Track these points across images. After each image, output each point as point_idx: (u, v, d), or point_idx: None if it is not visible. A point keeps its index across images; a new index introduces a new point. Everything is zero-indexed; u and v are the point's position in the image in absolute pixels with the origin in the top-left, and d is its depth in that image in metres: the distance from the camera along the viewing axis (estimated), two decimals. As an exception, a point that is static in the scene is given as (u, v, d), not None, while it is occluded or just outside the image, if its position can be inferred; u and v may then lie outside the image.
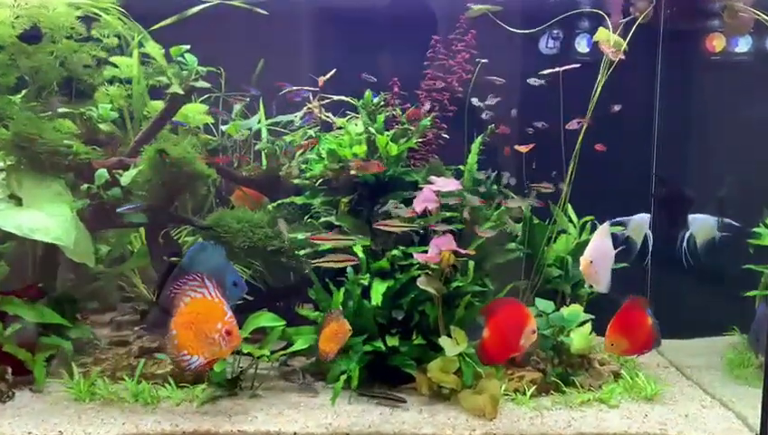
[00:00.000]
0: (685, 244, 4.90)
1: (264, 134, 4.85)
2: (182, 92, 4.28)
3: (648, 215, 4.68)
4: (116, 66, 4.61)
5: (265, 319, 4.08)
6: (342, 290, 4.12)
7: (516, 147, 4.39)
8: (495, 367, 4.07)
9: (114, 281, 4.67)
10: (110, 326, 4.70)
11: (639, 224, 4.64)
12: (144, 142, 4.33)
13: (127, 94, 4.61)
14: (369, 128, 4.26)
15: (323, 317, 3.71)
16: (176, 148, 3.91)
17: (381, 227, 3.86)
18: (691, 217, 4.96)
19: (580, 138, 4.51)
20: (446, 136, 4.87)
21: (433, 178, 3.95)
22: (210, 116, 4.74)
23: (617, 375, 4.36)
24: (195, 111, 4.68)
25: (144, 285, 4.75)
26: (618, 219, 4.63)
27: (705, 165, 5.43)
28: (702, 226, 4.88)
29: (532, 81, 4.53)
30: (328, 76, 4.71)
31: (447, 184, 3.91)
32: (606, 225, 4.05)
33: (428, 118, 4.44)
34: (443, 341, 3.88)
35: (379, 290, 3.98)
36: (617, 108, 4.78)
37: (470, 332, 3.75)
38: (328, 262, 3.82)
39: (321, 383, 4.24)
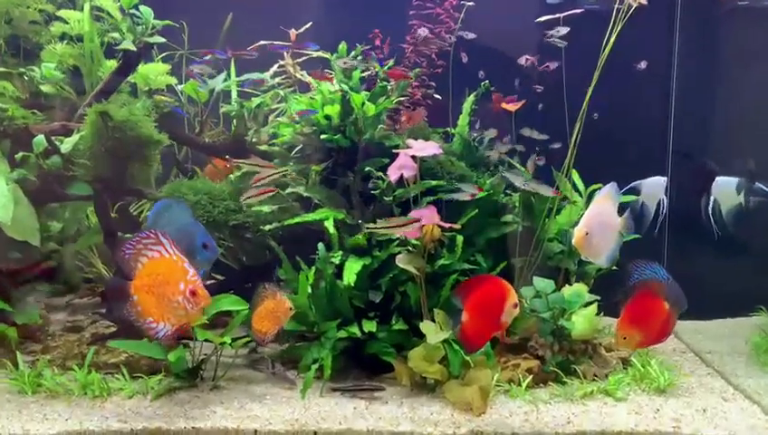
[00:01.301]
0: (709, 211, 4.30)
1: (235, 96, 4.36)
2: (134, 49, 3.80)
3: (664, 178, 4.10)
4: (66, 22, 4.14)
5: (227, 302, 3.65)
6: (313, 269, 3.66)
7: (504, 105, 3.84)
8: (487, 354, 3.61)
9: (71, 260, 4.25)
10: (67, 310, 4.30)
11: (654, 188, 4.08)
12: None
13: (79, 53, 4.13)
14: (343, 85, 3.75)
15: (256, 293, 3.33)
16: (120, 110, 3.45)
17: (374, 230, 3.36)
18: (716, 179, 4.34)
19: (588, 96, 3.96)
20: (437, 96, 4.36)
21: (410, 141, 3.45)
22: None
23: (625, 362, 3.91)
24: (155, 72, 4.20)
25: (104, 265, 4.33)
26: (630, 185, 4.09)
27: (729, 125, 4.86)
28: (726, 190, 4.26)
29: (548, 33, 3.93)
30: (302, 30, 4.21)
31: (426, 148, 3.41)
32: (607, 189, 3.50)
33: (411, 75, 3.92)
34: (425, 326, 3.42)
35: (352, 269, 3.53)
36: (642, 65, 4.21)
37: (448, 319, 3.30)
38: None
39: (293, 372, 3.81)
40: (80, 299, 4.32)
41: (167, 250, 2.91)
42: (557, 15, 3.91)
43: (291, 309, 3.26)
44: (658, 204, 4.13)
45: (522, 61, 4.06)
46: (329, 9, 4.67)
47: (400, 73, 3.94)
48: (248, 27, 4.53)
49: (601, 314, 3.90)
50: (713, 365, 4.03)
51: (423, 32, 3.94)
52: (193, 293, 2.89)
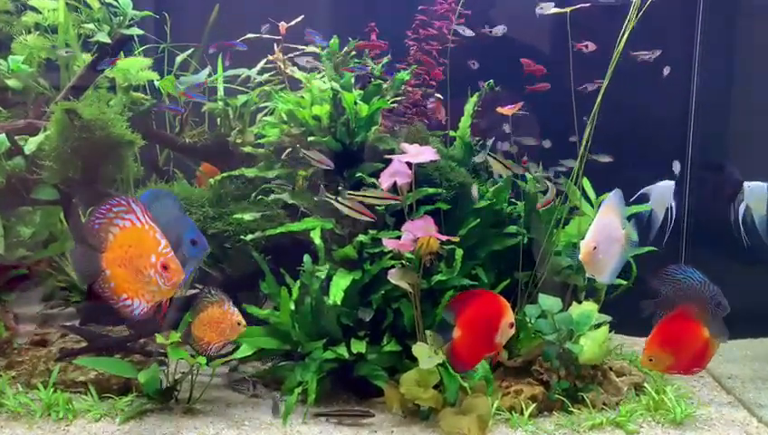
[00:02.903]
0: (740, 218, 3.93)
1: (221, 93, 4.06)
2: (109, 42, 3.51)
3: (673, 182, 3.76)
4: (39, 12, 3.85)
5: (204, 318, 3.34)
6: (298, 283, 3.36)
7: (499, 109, 3.51)
8: (487, 380, 3.30)
9: (43, 267, 3.97)
10: (38, 321, 4.02)
11: (662, 193, 3.74)
12: (68, 102, 3.58)
13: (52, 45, 3.85)
14: (334, 83, 3.44)
15: (200, 296, 3.06)
16: (88, 108, 3.16)
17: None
18: (746, 184, 3.97)
19: (599, 98, 3.62)
20: (438, 96, 4.04)
21: (404, 145, 3.14)
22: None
23: (638, 388, 3.58)
24: (136, 66, 3.90)
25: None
26: (641, 192, 3.76)
27: (754, 129, 4.51)
28: (759, 195, 3.89)
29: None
30: (293, 22, 3.90)
31: (422, 153, 3.10)
32: (611, 197, 3.18)
33: (407, 72, 3.60)
34: (417, 349, 3.12)
35: (340, 285, 3.23)
36: (666, 71, 3.88)
37: (438, 332, 3.03)
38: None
39: (275, 394, 3.51)
40: (50, 309, 4.04)
41: (138, 219, 2.65)
42: (565, 10, 3.58)
43: (240, 325, 2.98)
44: (667, 210, 3.80)
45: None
46: (327, 3, 4.36)
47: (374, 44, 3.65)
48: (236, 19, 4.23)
49: (612, 332, 3.60)
50: (734, 393, 3.70)
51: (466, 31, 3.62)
52: (164, 266, 2.64)
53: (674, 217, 3.81)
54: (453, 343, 2.95)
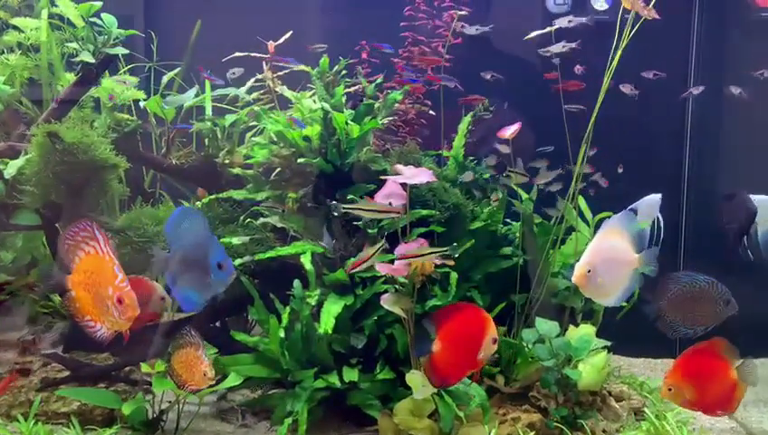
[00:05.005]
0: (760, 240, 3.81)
1: (208, 112, 3.96)
2: (93, 61, 3.42)
3: (659, 195, 3.67)
4: (21, 30, 3.75)
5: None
6: (287, 310, 3.26)
7: (499, 134, 3.44)
8: (483, 408, 3.20)
9: (24, 293, 3.84)
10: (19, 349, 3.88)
11: (649, 207, 3.65)
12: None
13: (35, 65, 3.75)
14: (324, 103, 3.36)
15: (179, 335, 2.96)
16: (71, 131, 3.06)
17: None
18: (754, 198, 3.85)
19: (594, 116, 3.55)
20: (432, 113, 3.97)
21: (399, 167, 3.05)
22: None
23: (638, 413, 3.47)
24: (121, 86, 3.80)
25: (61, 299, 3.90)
26: (629, 208, 3.66)
27: (753, 148, 4.46)
28: (765, 208, 3.78)
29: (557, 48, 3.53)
30: (282, 40, 3.82)
31: (417, 175, 3.00)
32: (618, 219, 3.06)
33: (399, 91, 3.53)
34: (410, 377, 3.01)
35: (331, 312, 3.12)
36: (694, 91, 3.84)
37: (417, 345, 2.94)
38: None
39: (265, 423, 3.40)
40: (31, 336, 3.90)
41: (101, 248, 2.62)
42: (547, 29, 3.52)
43: (206, 376, 2.87)
44: (654, 224, 3.70)
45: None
46: (316, 18, 4.29)
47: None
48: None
49: (610, 353, 3.51)
50: (735, 417, 3.60)
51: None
52: (119, 301, 2.60)
53: (662, 230, 3.71)
54: (432, 356, 2.83)
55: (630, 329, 3.74)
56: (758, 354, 4.33)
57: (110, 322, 2.62)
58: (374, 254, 2.88)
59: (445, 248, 2.92)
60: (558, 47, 3.54)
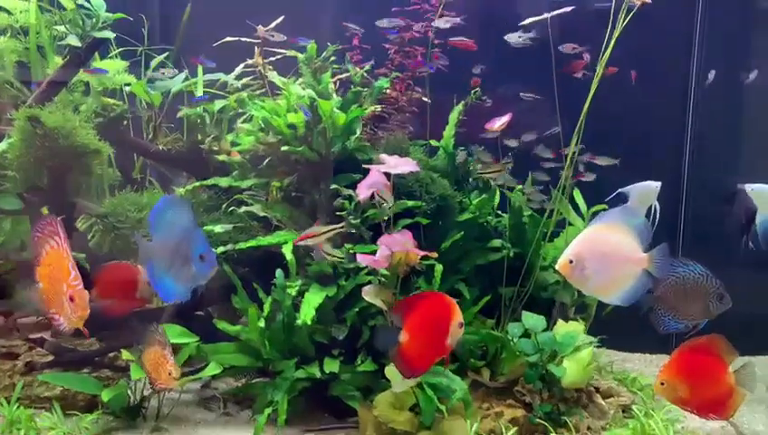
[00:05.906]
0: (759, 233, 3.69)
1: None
2: (80, 45, 3.39)
3: (658, 183, 3.55)
4: (9, 12, 3.73)
5: (173, 333, 3.22)
6: (269, 299, 3.23)
7: (487, 126, 3.36)
8: (465, 401, 3.16)
9: (15, 276, 3.84)
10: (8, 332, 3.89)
11: (645, 193, 3.53)
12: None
13: (24, 48, 3.73)
14: (310, 90, 3.30)
15: (149, 330, 2.98)
16: (52, 115, 3.03)
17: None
18: (750, 188, 3.70)
19: (586, 106, 3.46)
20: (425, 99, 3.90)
21: (383, 156, 2.99)
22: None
23: (626, 411, 3.41)
24: (112, 69, 3.77)
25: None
26: (618, 191, 3.57)
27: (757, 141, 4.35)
28: (766, 199, 3.65)
29: (514, 37, 3.45)
30: (272, 25, 3.76)
31: (401, 164, 2.96)
32: (616, 213, 2.94)
33: (387, 79, 3.46)
34: (390, 369, 2.97)
35: (311, 302, 3.09)
36: (710, 76, 3.74)
37: (383, 336, 2.88)
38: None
39: (247, 412, 3.39)
40: (23, 319, 3.91)
41: (60, 244, 2.64)
42: (544, 16, 3.42)
43: (171, 375, 2.86)
44: (650, 212, 3.58)
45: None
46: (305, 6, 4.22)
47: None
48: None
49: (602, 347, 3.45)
50: (726, 417, 3.53)
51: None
52: (71, 298, 2.61)
53: (657, 218, 3.59)
54: (400, 347, 2.77)
55: (626, 323, 3.66)
56: (755, 352, 4.29)
57: (65, 317, 2.62)
58: (324, 232, 2.85)
59: (340, 225, 2.98)
60: (515, 36, 3.46)
